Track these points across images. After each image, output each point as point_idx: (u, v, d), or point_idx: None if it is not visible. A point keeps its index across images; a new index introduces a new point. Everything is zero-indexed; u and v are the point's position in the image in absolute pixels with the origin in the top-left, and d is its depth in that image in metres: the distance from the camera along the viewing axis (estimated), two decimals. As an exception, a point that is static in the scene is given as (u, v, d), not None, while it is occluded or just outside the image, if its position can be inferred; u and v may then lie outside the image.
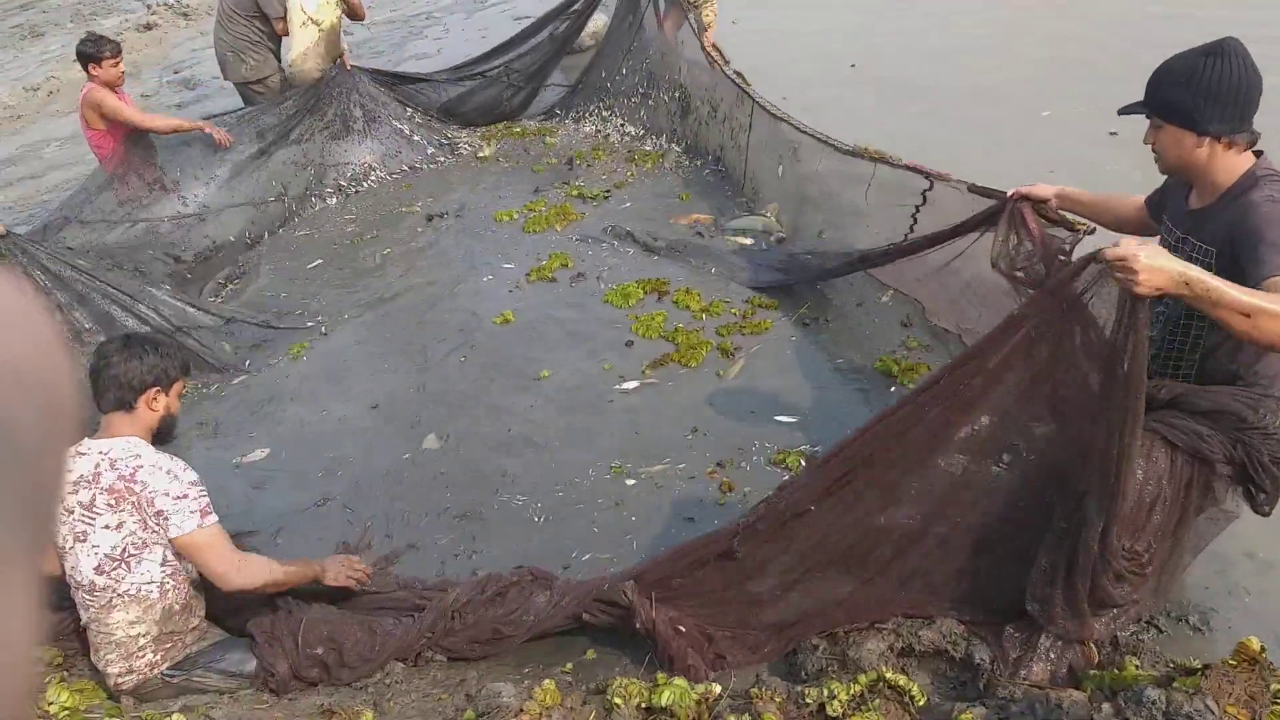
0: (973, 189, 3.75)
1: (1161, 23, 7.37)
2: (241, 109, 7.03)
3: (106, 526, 2.76)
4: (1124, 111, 2.67)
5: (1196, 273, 2.17)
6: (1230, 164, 2.56)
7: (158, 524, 2.78)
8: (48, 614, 2.96)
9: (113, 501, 2.75)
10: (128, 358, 2.86)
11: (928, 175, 4.08)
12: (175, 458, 2.88)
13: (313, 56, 7.08)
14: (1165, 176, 2.84)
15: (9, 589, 0.40)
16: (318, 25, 6.98)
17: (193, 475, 2.85)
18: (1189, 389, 2.72)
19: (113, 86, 6.02)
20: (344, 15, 7.22)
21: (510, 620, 3.03)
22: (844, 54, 8.33)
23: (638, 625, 2.84)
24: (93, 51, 5.89)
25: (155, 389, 2.91)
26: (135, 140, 6.23)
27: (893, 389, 4.15)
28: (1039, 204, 3.34)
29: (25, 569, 0.42)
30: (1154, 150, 2.66)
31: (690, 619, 2.92)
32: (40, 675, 2.53)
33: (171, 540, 2.81)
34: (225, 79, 7.31)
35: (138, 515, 2.76)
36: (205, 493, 2.86)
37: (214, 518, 2.84)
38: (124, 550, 2.78)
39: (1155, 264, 2.15)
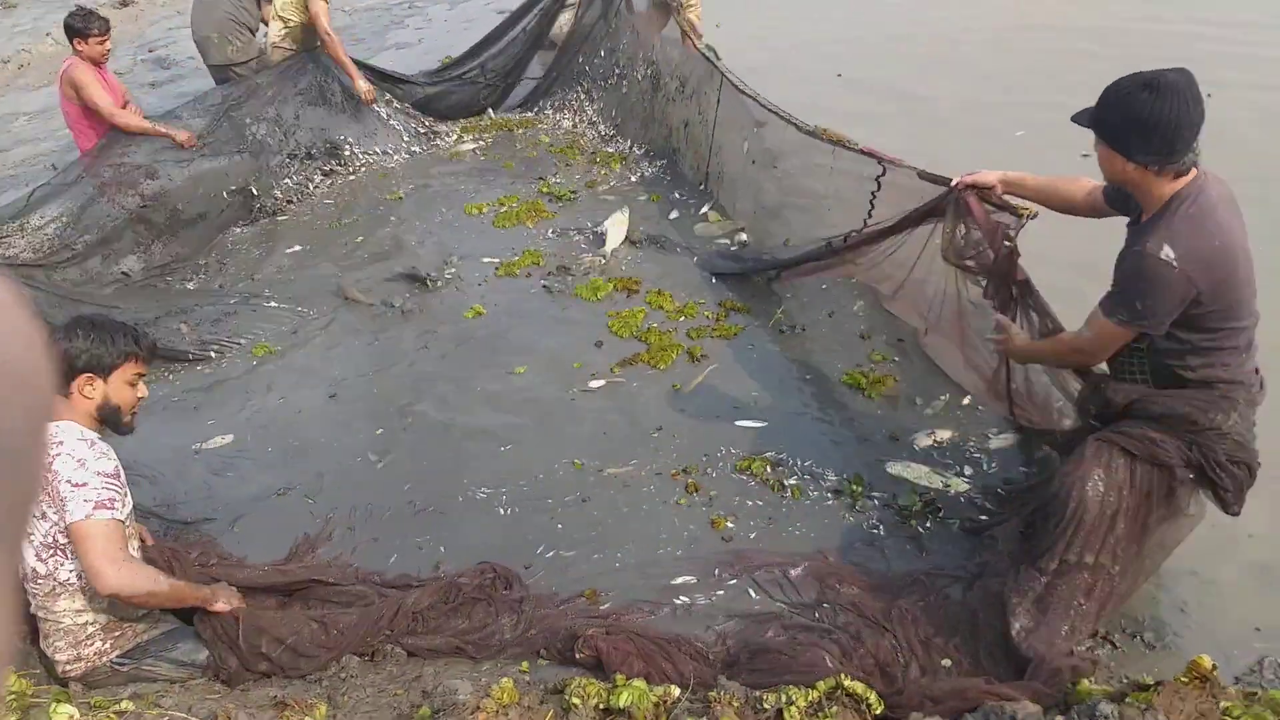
0: (922, 175, 3.79)
1: (1166, 36, 7.47)
2: (221, 90, 6.90)
3: (34, 515, 2.67)
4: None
5: (1018, 347, 3.09)
6: (1160, 189, 2.64)
7: (61, 511, 2.67)
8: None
9: None
10: (62, 339, 2.74)
11: (880, 160, 4.12)
12: (98, 444, 2.75)
13: (278, 52, 6.96)
14: None
15: None
16: (284, 21, 6.89)
17: (106, 466, 2.71)
18: (1142, 394, 2.79)
19: (96, 63, 5.94)
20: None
21: (473, 641, 3.04)
22: (832, 62, 8.33)
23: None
24: (80, 26, 5.83)
25: (87, 375, 2.78)
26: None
27: (857, 400, 4.18)
28: (983, 190, 3.38)
29: (3, 569, 0.42)
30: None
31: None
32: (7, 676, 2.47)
33: (66, 527, 2.66)
34: (206, 62, 7.16)
35: (54, 505, 2.67)
36: (113, 487, 2.71)
37: (109, 514, 2.67)
38: (53, 539, 2.70)
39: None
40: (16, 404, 0.42)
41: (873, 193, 4.19)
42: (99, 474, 2.69)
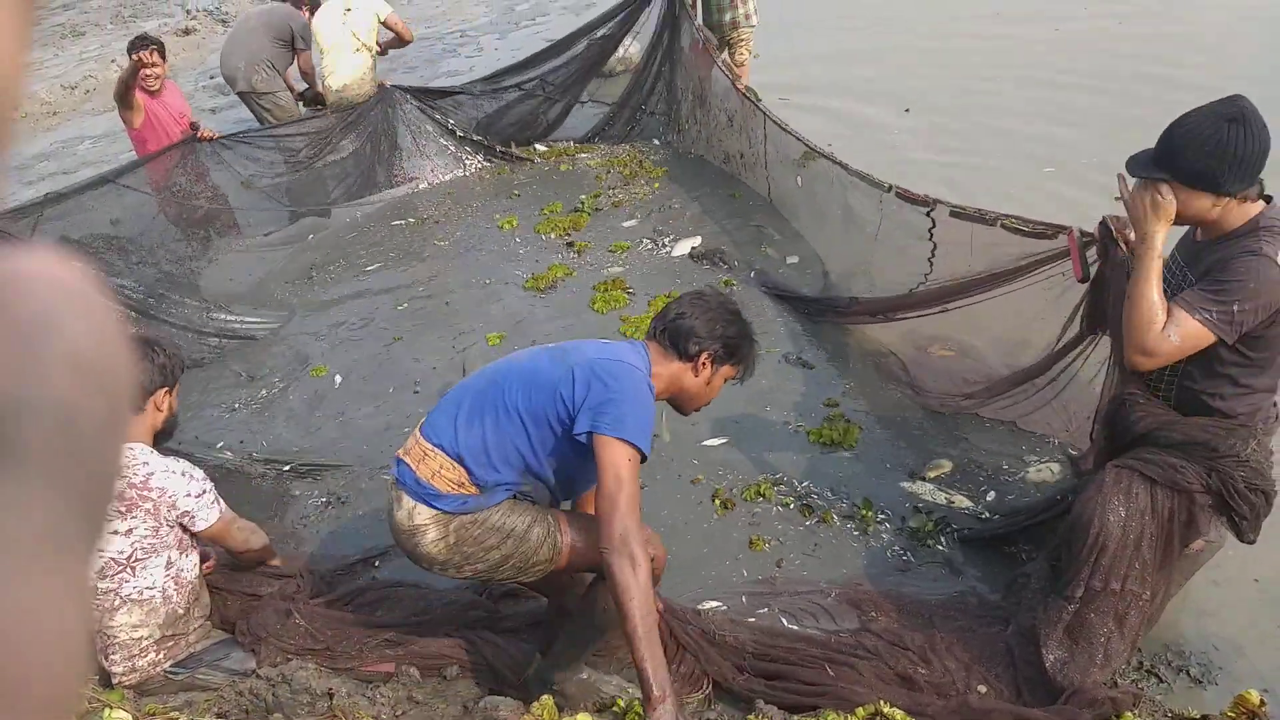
0: (1019, 229, 3.63)
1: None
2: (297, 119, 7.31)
3: (115, 532, 2.78)
4: (1137, 173, 2.65)
5: (1157, 244, 2.60)
6: (1239, 213, 2.60)
7: (182, 523, 2.87)
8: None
9: (123, 509, 2.77)
10: (138, 359, 2.88)
11: (927, 205, 4.12)
12: (178, 458, 2.96)
13: (368, 81, 7.27)
14: None
15: (65, 580, 0.39)
16: (369, 50, 7.18)
17: (200, 471, 2.94)
18: (1162, 423, 2.78)
19: (144, 87, 6.15)
20: (391, 41, 7.49)
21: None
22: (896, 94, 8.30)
23: None
24: (129, 50, 6.07)
25: (164, 389, 2.97)
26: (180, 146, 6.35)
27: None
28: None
29: (80, 561, 0.41)
30: None
31: None
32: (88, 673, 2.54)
33: (199, 533, 2.92)
34: (234, 90, 7.52)
35: (152, 521, 2.79)
36: (211, 483, 2.97)
37: (224, 501, 3.00)
38: (131, 555, 2.80)
39: (1148, 201, 2.61)
40: (96, 400, 0.42)
41: (930, 230, 4.16)
42: (203, 479, 2.92)
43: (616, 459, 2.33)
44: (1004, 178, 6.21)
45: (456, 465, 2.51)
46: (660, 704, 2.16)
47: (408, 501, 2.56)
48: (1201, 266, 2.66)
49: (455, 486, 2.52)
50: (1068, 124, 6.92)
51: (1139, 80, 7.41)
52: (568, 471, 2.61)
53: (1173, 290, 2.76)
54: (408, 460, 2.59)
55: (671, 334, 2.63)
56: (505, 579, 2.72)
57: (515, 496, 2.61)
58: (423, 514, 2.53)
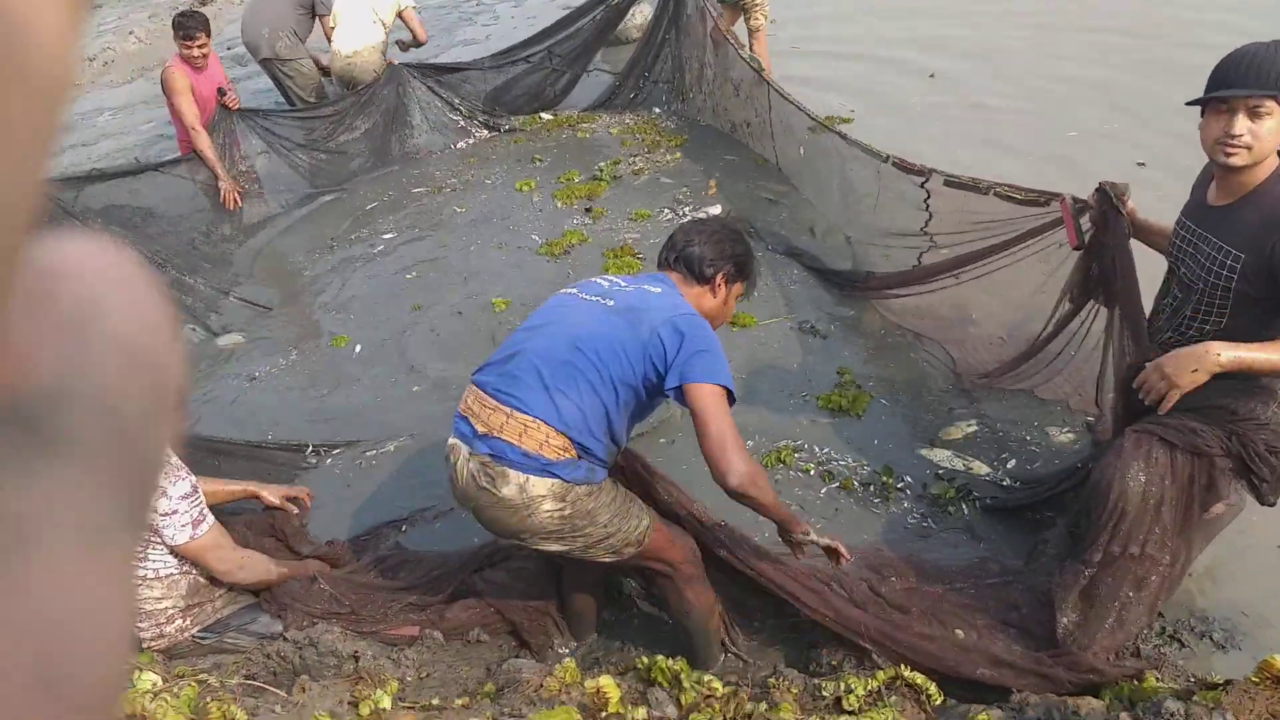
0: (1007, 196, 3.66)
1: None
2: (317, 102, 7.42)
3: None
4: (1232, 97, 2.45)
5: (1230, 356, 2.41)
6: (1270, 158, 2.53)
7: (149, 535, 2.81)
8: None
9: None
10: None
11: (913, 171, 4.13)
12: (168, 466, 2.81)
13: (378, 53, 7.32)
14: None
15: (108, 570, 0.38)
16: (384, 27, 7.26)
17: (185, 487, 2.84)
18: None
19: (191, 65, 6.18)
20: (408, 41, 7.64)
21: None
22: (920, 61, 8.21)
23: None
24: (174, 27, 6.17)
25: None
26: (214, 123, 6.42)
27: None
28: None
29: (124, 551, 0.40)
30: (1240, 144, 2.47)
31: None
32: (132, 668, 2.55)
33: (172, 549, 2.87)
34: (256, 59, 7.55)
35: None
36: (198, 501, 2.87)
37: (207, 524, 2.88)
38: None
39: (1180, 366, 2.48)
40: (139, 381, 0.41)
41: (925, 201, 4.17)
42: (182, 497, 2.83)
43: (714, 403, 2.50)
44: (1026, 141, 6.14)
45: (561, 434, 2.56)
46: (806, 531, 2.71)
47: (516, 476, 2.54)
48: (1235, 235, 2.55)
49: (561, 452, 2.56)
50: (1092, 88, 6.82)
51: (1164, 44, 7.28)
52: (629, 424, 2.74)
53: (1187, 259, 2.70)
54: (503, 436, 2.56)
55: (686, 260, 2.82)
56: (594, 558, 2.72)
57: (614, 479, 2.75)
58: (539, 485, 2.54)
